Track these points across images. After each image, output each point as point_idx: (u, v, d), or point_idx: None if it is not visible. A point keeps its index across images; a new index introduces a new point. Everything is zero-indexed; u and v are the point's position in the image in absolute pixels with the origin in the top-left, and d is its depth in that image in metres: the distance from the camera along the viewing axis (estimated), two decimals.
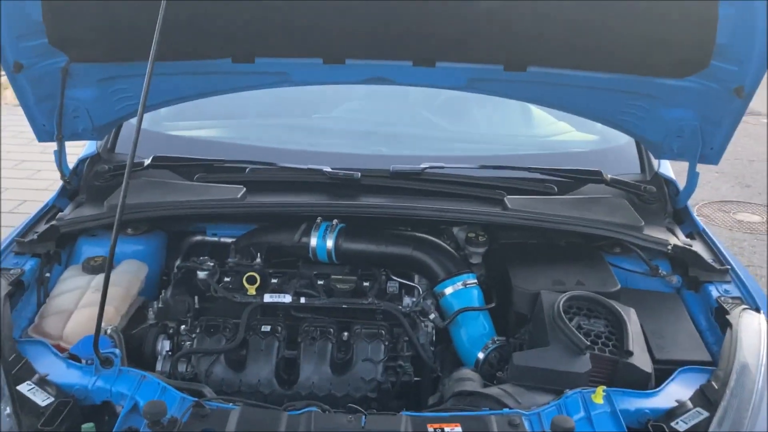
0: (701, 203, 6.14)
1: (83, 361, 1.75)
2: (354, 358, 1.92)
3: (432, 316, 2.03)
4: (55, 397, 1.62)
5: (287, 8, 1.99)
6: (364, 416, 1.53)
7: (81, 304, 1.99)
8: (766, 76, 1.92)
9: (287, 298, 2.03)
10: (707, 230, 2.40)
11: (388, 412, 1.62)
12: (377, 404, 1.88)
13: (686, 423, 1.60)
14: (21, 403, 1.58)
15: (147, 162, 2.39)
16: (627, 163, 2.64)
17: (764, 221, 5.84)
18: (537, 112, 3.04)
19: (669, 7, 1.89)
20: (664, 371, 1.79)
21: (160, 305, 2.07)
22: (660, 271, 2.19)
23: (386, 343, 1.94)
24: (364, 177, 2.30)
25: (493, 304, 2.08)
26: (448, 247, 2.18)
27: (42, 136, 2.29)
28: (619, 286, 2.03)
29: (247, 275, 2.05)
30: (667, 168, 2.58)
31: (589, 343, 1.75)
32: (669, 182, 2.49)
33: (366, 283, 2.09)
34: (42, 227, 2.21)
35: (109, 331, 1.84)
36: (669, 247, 2.15)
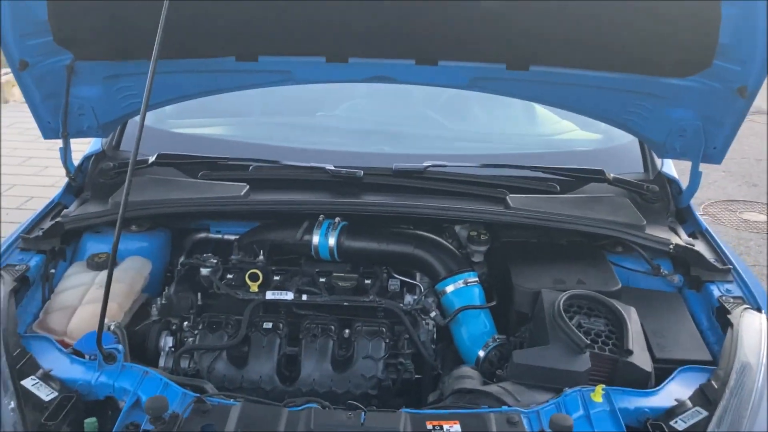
0: (707, 202, 6.12)
1: (87, 357, 1.76)
2: (355, 356, 1.93)
3: (433, 314, 2.04)
4: (59, 392, 1.64)
5: (290, 7, 2.00)
6: (363, 413, 1.54)
7: (85, 300, 2.01)
8: None
9: (289, 296, 2.04)
10: (710, 230, 2.40)
11: (388, 409, 1.63)
12: (378, 401, 1.89)
13: (685, 422, 1.60)
14: (25, 398, 1.60)
15: (151, 159, 2.41)
16: (630, 162, 2.64)
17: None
18: (540, 110, 3.04)
19: (671, 6, 1.89)
20: (664, 370, 1.79)
21: (163, 302, 2.08)
22: (662, 270, 2.19)
23: (387, 341, 1.95)
24: (366, 175, 2.31)
25: (494, 303, 2.08)
26: (449, 246, 2.19)
27: (47, 133, 2.31)
28: (620, 285, 2.03)
29: (249, 272, 2.06)
30: (670, 167, 2.58)
31: (588, 342, 1.76)
32: (672, 181, 2.49)
33: (367, 281, 2.10)
34: (47, 224, 2.23)
35: (112, 327, 1.86)
36: (671, 247, 2.15)
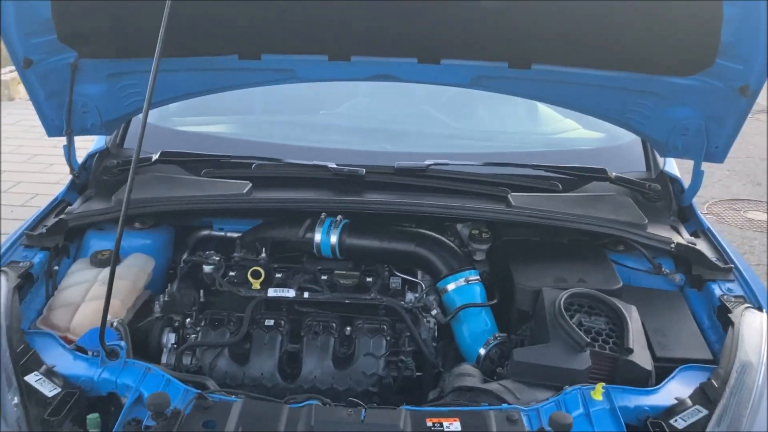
0: (712, 201, 6.11)
1: (90, 353, 1.77)
2: (356, 353, 1.93)
3: (434, 312, 2.05)
4: (62, 388, 1.65)
5: (293, 5, 2.01)
6: (364, 410, 1.54)
7: (88, 297, 2.02)
8: None
9: (291, 293, 2.05)
10: (712, 229, 2.40)
11: (389, 406, 1.63)
12: (379, 398, 1.90)
13: (685, 420, 1.60)
14: (28, 394, 1.61)
15: (155, 157, 2.42)
16: (633, 161, 2.65)
17: None
18: (543, 109, 3.04)
19: (673, 5, 1.89)
20: (665, 369, 1.79)
21: (166, 298, 2.09)
22: (663, 269, 2.19)
23: (388, 338, 1.96)
24: (368, 173, 2.31)
25: (495, 301, 2.09)
26: (451, 244, 2.19)
27: (51, 131, 2.32)
28: (621, 284, 2.03)
29: (251, 270, 2.08)
30: (673, 166, 2.58)
31: (589, 341, 1.76)
32: (674, 180, 2.49)
33: (369, 279, 2.11)
34: (51, 221, 2.25)
35: (115, 324, 1.87)
36: (672, 245, 2.16)
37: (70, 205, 2.37)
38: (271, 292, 2.05)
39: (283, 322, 2.00)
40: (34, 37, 2.04)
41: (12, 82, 8.64)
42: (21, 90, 8.41)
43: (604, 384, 1.66)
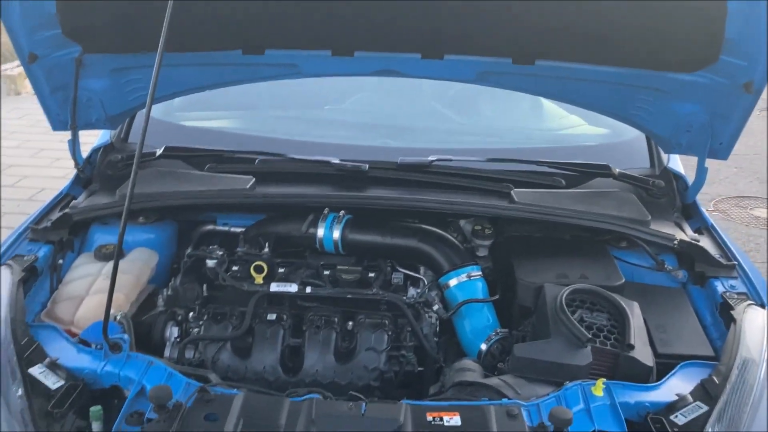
0: (718, 198, 6.08)
1: (93, 346, 1.79)
2: (357, 347, 1.94)
3: (436, 307, 2.05)
4: (66, 381, 1.67)
5: (297, 1, 2.01)
6: (364, 404, 1.55)
7: (92, 290, 2.03)
8: None
9: (293, 288, 2.06)
10: (716, 225, 2.39)
11: (389, 400, 1.64)
12: (380, 393, 1.90)
13: (685, 416, 1.61)
14: (32, 386, 1.63)
15: (159, 152, 2.42)
16: (637, 158, 2.64)
17: None
18: (548, 105, 3.03)
19: (678, 2, 1.88)
20: (666, 365, 1.80)
21: (169, 293, 2.11)
22: (666, 265, 2.19)
23: (389, 333, 1.97)
24: (371, 169, 2.32)
25: (496, 296, 2.09)
26: (453, 240, 2.19)
27: (56, 125, 2.34)
28: (623, 280, 2.03)
29: (254, 264, 2.08)
30: (677, 163, 2.57)
31: (590, 336, 1.76)
32: (678, 177, 2.48)
33: (371, 274, 2.11)
34: (56, 215, 2.26)
35: (118, 318, 1.88)
36: (675, 242, 2.15)
37: (75, 200, 2.38)
38: (274, 287, 2.06)
39: (285, 317, 2.01)
40: (39, 32, 2.05)
41: (19, 77, 8.68)
42: (27, 85, 8.41)
43: (604, 380, 1.67)
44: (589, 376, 1.72)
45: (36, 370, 1.68)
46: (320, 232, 2.16)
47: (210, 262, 2.14)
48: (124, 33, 2.14)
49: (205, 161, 2.43)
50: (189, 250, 2.28)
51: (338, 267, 2.12)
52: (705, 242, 2.24)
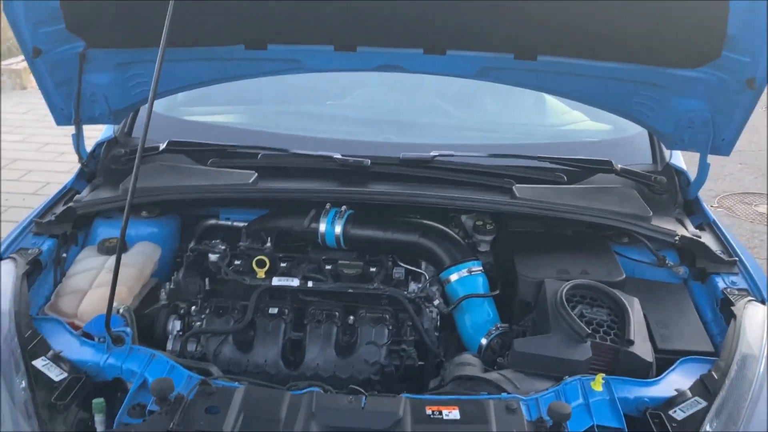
0: (723, 194, 6.07)
1: (96, 339, 1.80)
2: (358, 342, 1.95)
3: (436, 302, 2.06)
4: (69, 373, 1.69)
5: None
6: (364, 397, 1.56)
7: (95, 284, 2.05)
8: None
9: (295, 282, 2.07)
10: (718, 222, 2.39)
11: (389, 394, 1.65)
12: (381, 387, 1.92)
13: (684, 412, 1.61)
14: (36, 378, 1.64)
15: (162, 146, 2.43)
16: (639, 153, 2.64)
17: None
18: (551, 101, 3.03)
19: None
20: (666, 361, 1.80)
21: (171, 286, 2.12)
22: (667, 261, 2.19)
23: (390, 328, 1.98)
24: (373, 164, 2.32)
25: (497, 291, 2.10)
26: (454, 235, 2.20)
27: (60, 119, 2.35)
28: (623, 276, 2.04)
29: (256, 259, 2.10)
30: (679, 159, 2.57)
31: (590, 332, 1.77)
32: (680, 173, 2.48)
33: (373, 269, 2.12)
34: (60, 209, 2.27)
35: (121, 311, 1.90)
36: (676, 238, 2.15)
37: (79, 194, 2.40)
38: (276, 281, 2.07)
39: (286, 311, 2.02)
40: (42, 27, 2.06)
41: (24, 71, 8.71)
42: (32, 79, 8.42)
43: (604, 375, 1.67)
44: (589, 371, 1.72)
45: (39, 363, 1.69)
46: (322, 227, 2.17)
47: (212, 256, 2.15)
48: (128, 28, 2.15)
49: (208, 156, 2.44)
50: (192, 244, 2.29)
51: (340, 262, 2.13)
52: (706, 238, 2.24)
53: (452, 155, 2.38)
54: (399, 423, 1.49)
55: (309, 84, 2.89)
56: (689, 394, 1.66)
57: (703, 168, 2.31)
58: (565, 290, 1.87)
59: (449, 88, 3.04)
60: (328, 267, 2.13)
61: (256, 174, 2.26)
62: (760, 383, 1.63)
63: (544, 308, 1.88)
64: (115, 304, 1.78)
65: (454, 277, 2.10)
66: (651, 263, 2.22)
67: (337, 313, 2.01)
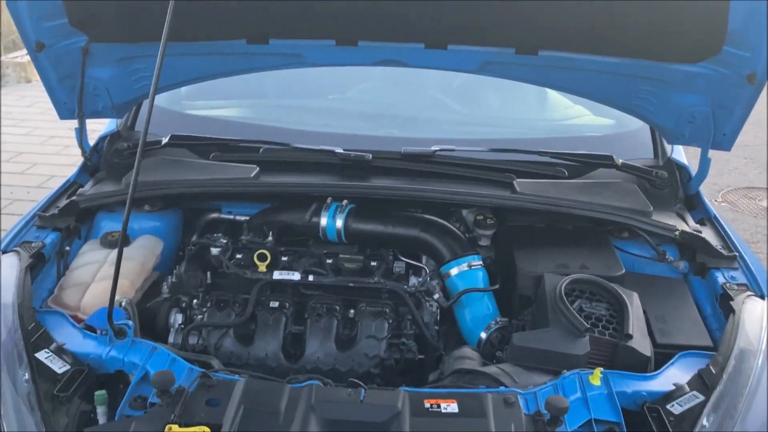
0: (727, 189, 6.05)
1: (98, 332, 1.82)
2: (358, 335, 1.96)
3: (436, 296, 2.07)
4: (71, 365, 1.70)
5: None
6: (363, 390, 1.57)
7: (98, 277, 2.06)
8: None
9: (296, 276, 2.08)
10: (718, 216, 2.39)
11: (388, 387, 1.66)
12: (380, 380, 1.93)
13: (681, 406, 1.62)
14: (39, 370, 1.66)
15: (165, 140, 2.45)
16: (641, 148, 2.64)
17: None
18: (553, 95, 3.03)
19: None
20: (665, 355, 1.81)
21: (173, 280, 2.13)
22: (667, 256, 2.20)
23: (390, 321, 1.99)
24: (375, 159, 2.33)
25: (496, 286, 2.11)
26: (454, 229, 2.21)
27: (63, 113, 2.36)
28: (623, 271, 2.04)
29: (257, 252, 2.11)
30: (681, 154, 2.57)
31: (588, 326, 1.77)
32: (681, 168, 2.48)
33: (373, 263, 2.13)
34: (63, 202, 2.29)
35: (123, 304, 1.91)
36: (676, 233, 2.16)
37: (82, 187, 2.41)
38: (277, 275, 2.08)
39: (287, 304, 2.03)
40: (45, 21, 2.07)
41: (29, 64, 8.71)
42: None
43: (602, 369, 1.68)
44: (587, 366, 1.73)
45: (42, 355, 1.71)
46: (323, 221, 2.18)
47: (214, 250, 2.17)
48: (130, 23, 2.16)
49: (211, 150, 2.45)
50: (194, 238, 2.31)
51: (341, 256, 2.14)
52: (707, 233, 2.25)
53: (453, 150, 2.38)
54: (397, 416, 1.50)
55: (311, 78, 2.89)
56: (687, 388, 1.67)
57: (704, 163, 2.31)
58: (564, 285, 1.87)
59: (451, 83, 3.04)
60: (329, 261, 2.14)
61: (258, 168, 2.27)
62: (757, 377, 1.64)
63: (543, 302, 1.89)
64: (117, 297, 1.79)
65: (454, 272, 2.10)
66: (651, 258, 2.23)
67: (337, 307, 2.02)
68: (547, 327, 1.81)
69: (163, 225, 2.37)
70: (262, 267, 2.10)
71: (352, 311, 2.03)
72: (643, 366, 1.76)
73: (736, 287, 2.01)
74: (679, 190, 2.43)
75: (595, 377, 1.67)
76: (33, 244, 2.08)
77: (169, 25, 1.61)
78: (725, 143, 2.20)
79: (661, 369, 1.75)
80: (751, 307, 1.87)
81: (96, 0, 2.08)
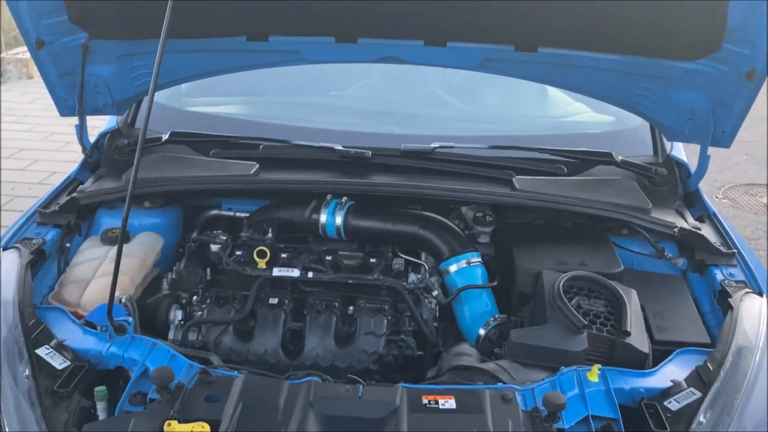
0: (728, 186, 6.04)
1: (99, 328, 1.82)
2: (357, 332, 1.97)
3: (435, 293, 2.08)
4: (71, 361, 1.71)
5: None
6: (361, 386, 1.58)
7: (98, 273, 2.07)
8: None
9: (295, 273, 2.09)
10: (718, 213, 2.40)
11: (387, 383, 1.67)
12: (379, 376, 1.94)
13: (679, 402, 1.63)
14: (39, 366, 1.67)
15: (165, 137, 2.45)
16: (641, 145, 2.64)
17: None
18: (553, 92, 3.03)
19: None
20: (663, 352, 1.81)
21: (173, 276, 2.14)
22: (666, 253, 2.20)
23: (389, 318, 2.00)
24: (374, 155, 2.33)
25: (495, 283, 2.11)
26: (453, 226, 2.21)
27: (64, 110, 2.37)
28: (621, 268, 2.05)
29: (257, 249, 2.11)
30: (680, 150, 2.57)
31: (586, 323, 1.78)
32: (681, 165, 2.48)
33: (373, 260, 2.14)
34: (63, 199, 2.30)
35: (123, 300, 1.92)
36: (675, 230, 2.16)
37: (83, 184, 2.42)
38: (276, 272, 2.09)
39: (287, 301, 2.04)
40: (45, 19, 2.08)
41: (30, 61, 8.71)
42: None
43: (600, 365, 1.69)
44: (585, 362, 1.74)
45: (43, 351, 1.72)
46: (323, 218, 2.19)
47: (214, 247, 2.17)
48: (130, 20, 2.16)
49: (211, 147, 2.45)
50: (194, 235, 2.31)
51: (340, 252, 2.15)
52: (706, 230, 2.25)
53: (453, 147, 2.39)
54: (395, 412, 1.51)
55: (311, 75, 2.90)
56: (684, 384, 1.67)
57: (704, 160, 2.31)
58: (562, 282, 1.88)
59: (451, 80, 3.04)
60: (329, 258, 2.15)
61: (258, 165, 2.27)
62: (755, 374, 1.64)
63: (541, 299, 1.89)
64: (117, 294, 1.80)
65: (453, 268, 2.11)
66: (650, 255, 2.23)
67: (336, 304, 2.03)
68: (545, 324, 1.82)
69: (163, 222, 2.37)
70: (262, 264, 2.11)
71: (351, 308, 2.04)
72: (641, 363, 1.77)
73: (734, 284, 2.01)
74: (679, 187, 2.43)
75: (593, 374, 1.68)
76: (33, 241, 2.09)
77: (169, 22, 1.62)
78: (725, 140, 2.21)
79: (659, 366, 1.75)
80: (749, 304, 1.88)
81: None
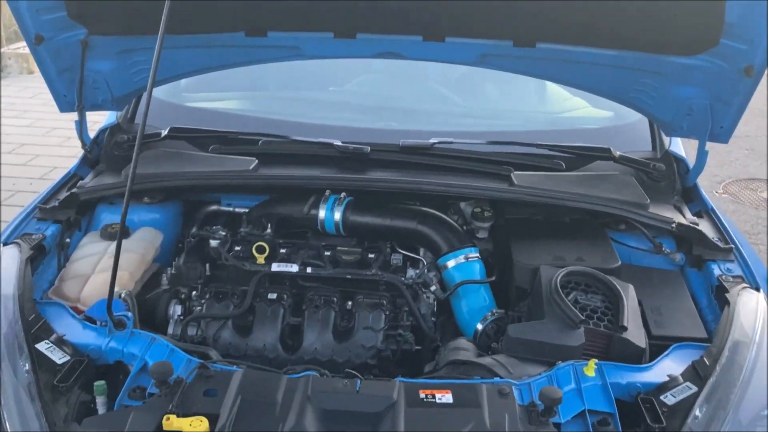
0: (728, 180, 6.03)
1: (98, 323, 1.84)
2: (356, 326, 1.98)
3: (433, 288, 2.08)
4: (71, 356, 1.72)
5: None
6: (359, 381, 1.59)
7: (98, 269, 2.08)
8: None
9: (294, 268, 2.09)
10: (716, 209, 2.40)
11: (384, 377, 1.68)
12: (378, 371, 1.95)
13: (675, 397, 1.63)
14: (39, 361, 1.68)
15: (164, 133, 2.46)
16: (639, 140, 2.64)
17: None
18: (552, 88, 3.03)
19: None
20: (660, 347, 1.82)
21: (173, 271, 2.15)
22: (664, 248, 2.21)
23: (387, 313, 2.01)
24: (373, 151, 2.34)
25: (493, 278, 2.12)
26: (452, 222, 2.22)
27: (63, 106, 2.37)
28: (619, 263, 2.05)
29: (256, 245, 2.12)
30: (679, 146, 2.57)
31: (583, 318, 1.78)
32: (679, 160, 2.48)
33: (371, 255, 2.14)
34: (63, 195, 2.30)
35: (123, 295, 1.93)
36: (673, 225, 2.17)
37: (82, 180, 2.42)
38: (275, 267, 2.09)
39: (285, 296, 2.05)
40: (44, 14, 2.08)
41: (31, 56, 8.71)
42: None
43: (597, 360, 1.70)
44: (582, 357, 1.75)
45: (43, 346, 1.73)
46: (321, 213, 2.20)
47: (213, 242, 2.18)
48: (129, 15, 2.16)
49: (210, 142, 2.46)
50: (193, 230, 2.32)
51: (338, 248, 2.16)
52: (704, 225, 2.25)
53: (452, 142, 2.39)
54: (393, 406, 1.52)
55: (310, 71, 2.90)
56: (681, 379, 1.68)
57: (702, 155, 2.32)
58: (559, 277, 1.88)
59: (450, 75, 3.04)
60: (327, 253, 2.15)
61: (257, 160, 2.28)
62: (751, 369, 1.65)
63: (539, 294, 1.90)
64: (116, 289, 1.81)
65: (451, 264, 2.12)
66: (648, 250, 2.24)
67: (335, 299, 2.04)
68: (542, 319, 1.83)
69: (162, 217, 2.38)
70: (261, 259, 2.11)
71: (349, 303, 2.05)
72: (638, 357, 1.78)
73: (731, 279, 2.02)
74: (677, 182, 2.44)
75: (590, 368, 1.68)
76: (34, 236, 2.10)
77: (167, 17, 1.62)
78: (723, 135, 2.21)
79: (656, 360, 1.76)
80: (746, 299, 1.88)
81: None
